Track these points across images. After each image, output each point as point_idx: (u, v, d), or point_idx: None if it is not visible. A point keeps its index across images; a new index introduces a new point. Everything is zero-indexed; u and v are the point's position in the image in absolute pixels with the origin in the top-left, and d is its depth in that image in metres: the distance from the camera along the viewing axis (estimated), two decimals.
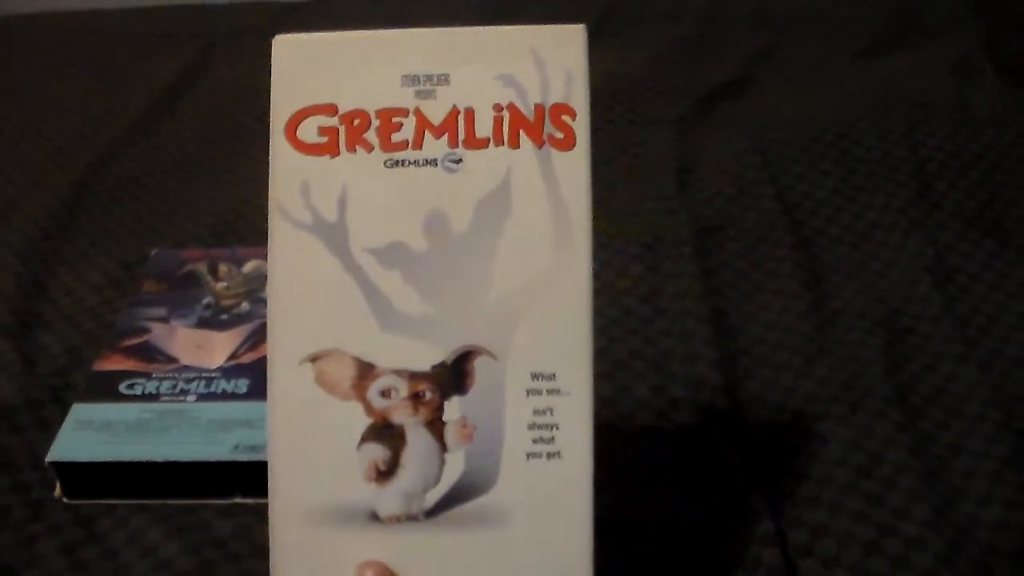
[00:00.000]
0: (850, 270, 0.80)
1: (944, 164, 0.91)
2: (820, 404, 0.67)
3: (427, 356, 0.42)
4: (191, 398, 0.65)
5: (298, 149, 0.43)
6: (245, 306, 0.73)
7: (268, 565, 0.57)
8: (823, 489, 0.61)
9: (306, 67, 0.43)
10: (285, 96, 0.43)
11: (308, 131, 0.43)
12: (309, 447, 0.43)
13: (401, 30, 0.44)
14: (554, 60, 0.42)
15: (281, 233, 0.43)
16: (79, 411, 0.65)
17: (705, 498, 0.61)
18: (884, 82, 1.05)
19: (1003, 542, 0.58)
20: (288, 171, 0.43)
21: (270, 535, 0.43)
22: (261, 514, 0.61)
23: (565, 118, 0.42)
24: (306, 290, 0.43)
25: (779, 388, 0.69)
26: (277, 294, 0.43)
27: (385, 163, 0.43)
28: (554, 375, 0.42)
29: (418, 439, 0.42)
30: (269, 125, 0.43)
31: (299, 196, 0.43)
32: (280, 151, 0.43)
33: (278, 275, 0.43)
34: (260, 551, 0.58)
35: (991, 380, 0.69)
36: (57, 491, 0.63)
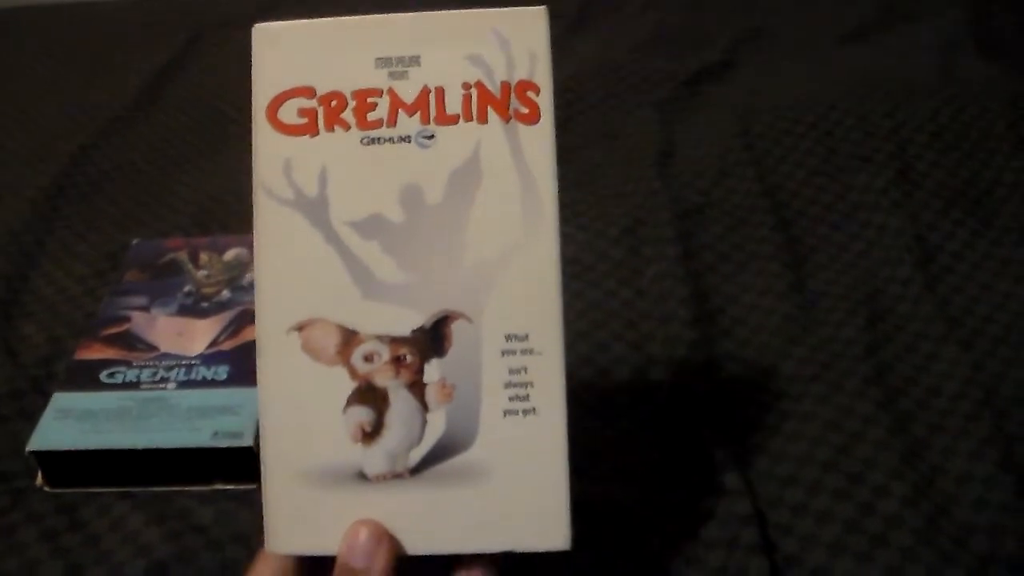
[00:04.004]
0: (831, 251, 0.80)
1: (926, 144, 0.91)
2: (800, 384, 0.68)
3: (407, 321, 0.45)
4: (171, 386, 0.65)
5: (279, 130, 0.45)
6: (226, 294, 0.73)
7: (249, 552, 0.57)
8: (802, 468, 0.61)
9: (284, 53, 0.45)
10: (265, 81, 0.45)
11: (288, 113, 0.45)
12: (298, 412, 0.45)
13: (374, 16, 0.46)
14: (518, 40, 0.45)
15: (265, 209, 0.45)
16: (60, 400, 0.65)
17: (684, 478, 0.62)
18: (867, 64, 1.05)
19: (982, 519, 0.58)
20: (270, 151, 0.45)
21: (263, 498, 0.45)
22: (242, 500, 0.62)
23: (530, 94, 0.45)
24: (290, 262, 0.45)
25: (760, 368, 0.69)
26: (263, 267, 0.45)
27: (362, 141, 0.45)
28: (527, 336, 0.44)
29: (401, 400, 0.45)
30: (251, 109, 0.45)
31: (281, 174, 0.45)
32: (262, 132, 0.45)
33: (263, 249, 0.45)
34: (241, 538, 0.59)
35: (971, 359, 0.69)
36: (39, 480, 0.63)
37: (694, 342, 0.71)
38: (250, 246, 0.76)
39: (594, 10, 1.20)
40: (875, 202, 0.85)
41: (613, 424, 0.65)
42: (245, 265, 0.75)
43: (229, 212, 0.89)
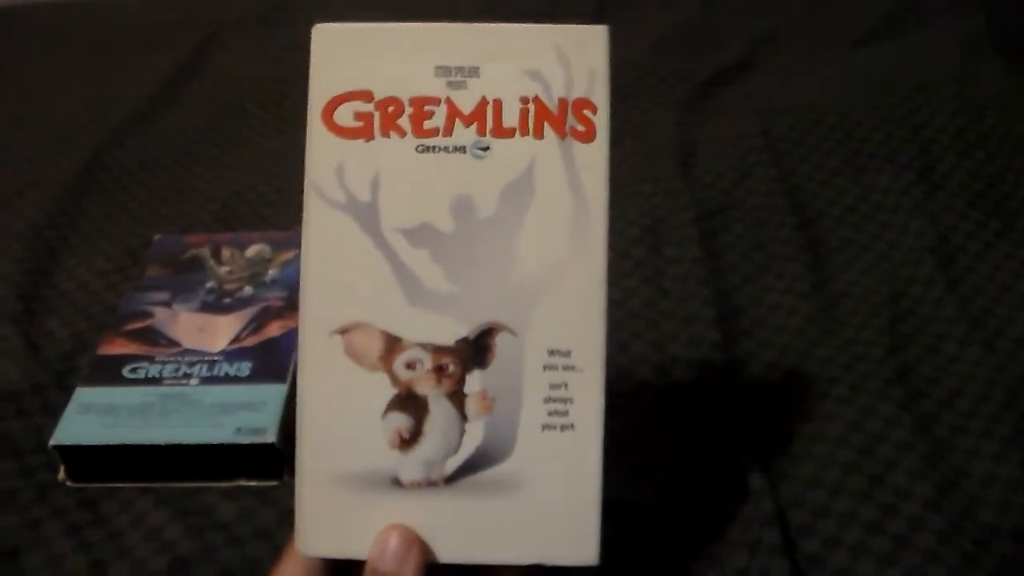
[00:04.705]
0: (853, 252, 0.80)
1: (947, 146, 0.91)
2: (822, 385, 0.67)
3: (451, 331, 0.45)
4: (194, 381, 0.65)
5: (334, 132, 0.45)
6: (248, 290, 0.73)
7: (271, 549, 0.58)
8: (824, 470, 0.61)
9: (344, 54, 0.45)
10: (323, 82, 0.45)
11: (344, 116, 0.45)
12: (337, 415, 0.45)
13: (435, 23, 0.46)
14: (578, 58, 0.45)
15: (315, 211, 0.45)
16: (82, 395, 0.65)
17: (706, 478, 0.62)
18: (886, 65, 1.05)
19: (1005, 521, 0.58)
20: (324, 153, 0.45)
21: (296, 498, 0.45)
22: (263, 497, 0.62)
23: (587, 112, 0.45)
24: (338, 265, 0.45)
25: (781, 369, 0.69)
26: (309, 268, 0.45)
27: (417, 148, 0.45)
28: (570, 352, 0.45)
29: (440, 409, 0.45)
30: (307, 109, 0.45)
31: (334, 177, 0.45)
32: (317, 134, 0.45)
33: (311, 251, 0.45)
34: (262, 534, 0.59)
35: (994, 360, 0.69)
36: (61, 474, 0.64)
37: (716, 342, 0.71)
38: (272, 243, 0.77)
39: (610, 9, 1.20)
40: (896, 203, 0.84)
41: (634, 424, 0.65)
42: (267, 262, 0.76)
43: (250, 209, 0.89)
